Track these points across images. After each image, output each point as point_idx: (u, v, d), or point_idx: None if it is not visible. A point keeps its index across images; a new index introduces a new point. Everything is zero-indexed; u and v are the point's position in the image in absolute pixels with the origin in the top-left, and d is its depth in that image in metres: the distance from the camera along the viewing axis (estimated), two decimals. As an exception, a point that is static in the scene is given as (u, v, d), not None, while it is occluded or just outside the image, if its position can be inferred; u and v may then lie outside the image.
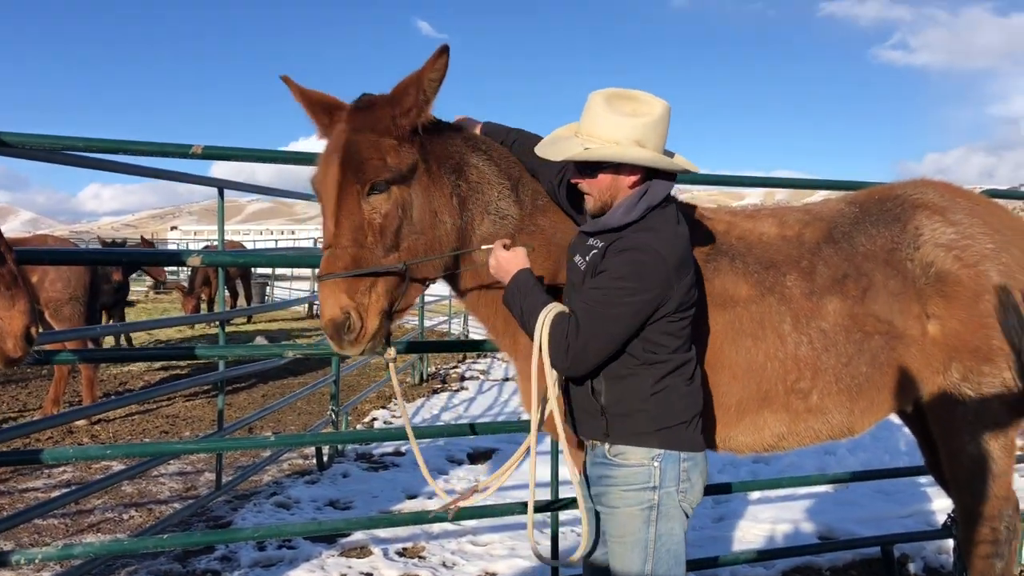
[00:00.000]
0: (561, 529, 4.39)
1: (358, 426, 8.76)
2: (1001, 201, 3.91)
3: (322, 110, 2.63)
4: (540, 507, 4.08)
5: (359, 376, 11.46)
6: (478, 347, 4.24)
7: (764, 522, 5.55)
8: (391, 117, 2.53)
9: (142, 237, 23.05)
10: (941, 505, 5.67)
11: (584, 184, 2.52)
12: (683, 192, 2.64)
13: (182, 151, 3.73)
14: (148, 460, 5.36)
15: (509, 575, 4.76)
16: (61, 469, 6.80)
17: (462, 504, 2.77)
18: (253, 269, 21.83)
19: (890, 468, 5.30)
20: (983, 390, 3.04)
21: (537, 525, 5.32)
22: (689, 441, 2.50)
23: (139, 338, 15.29)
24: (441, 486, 5.01)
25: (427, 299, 14.01)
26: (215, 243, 6.74)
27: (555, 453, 4.19)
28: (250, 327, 18.26)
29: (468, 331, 15.63)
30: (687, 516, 2.52)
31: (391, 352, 2.70)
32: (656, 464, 2.44)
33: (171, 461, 6.92)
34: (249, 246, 29.12)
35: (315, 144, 2.88)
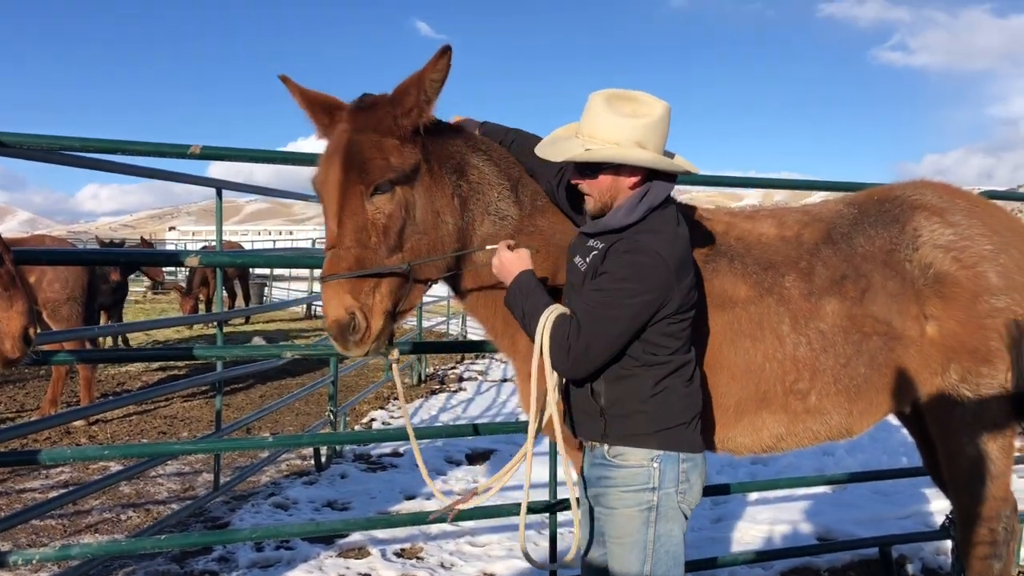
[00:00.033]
0: (560, 530, 4.39)
1: (356, 427, 8.76)
2: (1000, 202, 3.91)
3: (322, 110, 2.62)
4: (538, 508, 4.07)
5: (357, 377, 11.45)
6: (480, 348, 4.24)
7: (762, 523, 5.55)
8: (393, 117, 2.52)
9: (141, 238, 23.04)
10: (939, 506, 5.68)
11: (584, 185, 2.51)
12: (682, 193, 2.63)
13: (180, 151, 3.73)
14: (146, 461, 5.35)
15: (507, 576, 4.76)
16: (59, 470, 6.79)
17: (461, 506, 2.77)
18: (251, 270, 21.82)
19: (888, 469, 5.31)
20: (981, 391, 3.04)
21: (536, 526, 5.32)
22: (688, 442, 2.49)
23: (137, 338, 15.28)
24: (439, 487, 5.03)
25: (425, 300, 14.02)
26: (213, 243, 6.75)
27: (553, 455, 4.19)
28: (248, 328, 18.25)
29: (466, 332, 15.62)
30: (686, 517, 2.52)
31: (395, 353, 2.70)
32: (655, 465, 2.44)
33: (169, 462, 6.91)
34: (247, 246, 29.09)
35: (314, 144, 2.88)
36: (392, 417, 9.27)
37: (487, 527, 5.38)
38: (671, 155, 2.56)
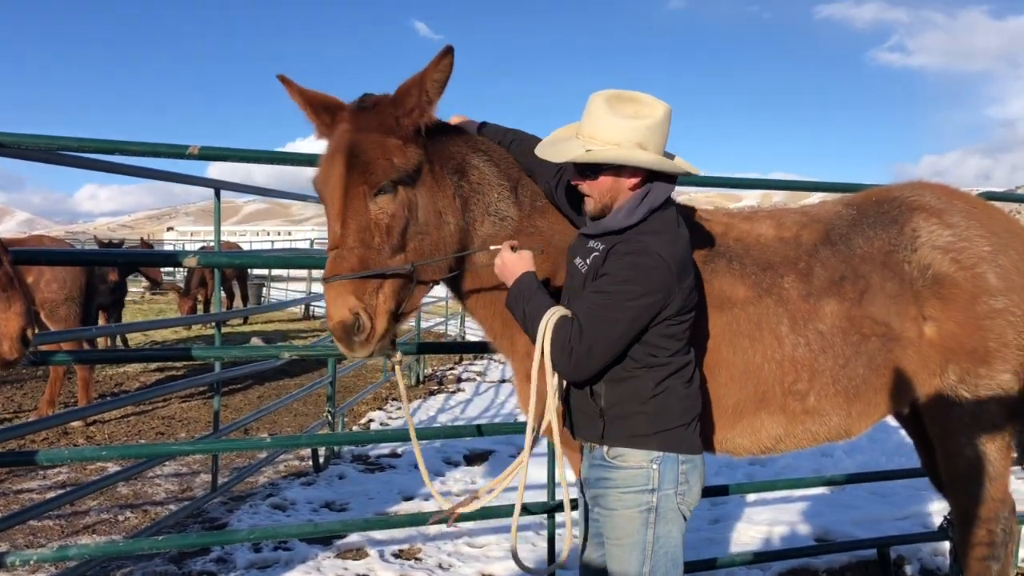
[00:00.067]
0: (559, 531, 4.39)
1: (354, 428, 8.75)
2: (998, 203, 3.92)
3: (323, 110, 2.61)
4: (537, 510, 4.07)
5: (355, 378, 11.44)
6: (482, 349, 4.23)
7: (760, 524, 5.56)
8: (395, 118, 2.52)
9: (142, 239, 23.01)
10: (937, 507, 5.68)
11: (585, 186, 2.51)
12: (680, 194, 2.63)
13: (178, 152, 3.72)
14: (144, 461, 5.35)
15: (505, 577, 4.75)
16: (56, 470, 6.78)
17: (461, 510, 2.76)
18: (249, 270, 21.81)
19: (886, 470, 5.31)
20: (980, 392, 3.04)
21: (535, 527, 5.32)
22: (688, 443, 2.49)
23: (135, 339, 15.26)
24: (438, 487, 5.01)
25: (424, 300, 14.03)
26: (211, 244, 6.74)
27: (552, 457, 4.19)
28: (246, 328, 18.23)
29: (464, 333, 15.62)
30: (685, 519, 2.52)
31: (397, 356, 2.69)
32: (655, 466, 2.44)
33: (167, 462, 6.90)
34: (245, 247, 29.08)
35: (312, 145, 2.87)
36: (390, 418, 9.27)
37: (485, 528, 5.38)
38: (671, 156, 2.56)
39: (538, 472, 4.66)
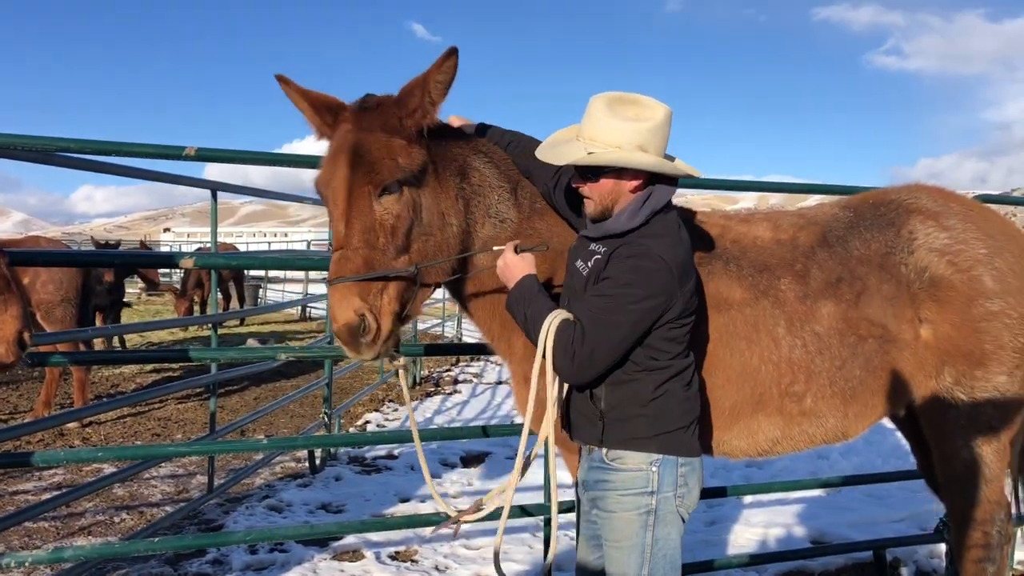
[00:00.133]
0: (558, 532, 4.38)
1: (351, 429, 8.74)
2: (994, 206, 3.93)
3: (324, 110, 2.59)
4: (535, 512, 4.07)
5: (352, 379, 11.43)
6: (486, 351, 4.22)
7: (757, 526, 5.56)
8: (398, 118, 2.51)
9: (141, 242, 22.96)
10: (933, 509, 5.69)
11: (586, 188, 2.50)
12: (677, 196, 2.63)
13: (175, 153, 3.71)
14: (140, 463, 5.33)
15: (502, 579, 4.75)
16: (52, 472, 6.76)
17: (467, 519, 2.76)
18: (246, 271, 21.77)
19: (883, 472, 5.32)
20: (976, 394, 3.05)
21: (531, 528, 5.32)
22: (687, 446, 2.49)
23: (131, 340, 15.22)
24: (436, 490, 5.00)
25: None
26: (208, 245, 6.73)
27: (548, 460, 4.18)
28: (243, 329, 18.21)
29: (461, 334, 15.61)
30: (683, 521, 2.52)
31: (401, 360, 2.68)
32: (654, 469, 2.44)
33: (163, 464, 6.88)
34: (242, 248, 29.04)
35: (311, 146, 2.86)
36: (387, 419, 9.26)
37: (482, 530, 5.37)
38: (671, 158, 2.56)
39: (538, 473, 4.66)
